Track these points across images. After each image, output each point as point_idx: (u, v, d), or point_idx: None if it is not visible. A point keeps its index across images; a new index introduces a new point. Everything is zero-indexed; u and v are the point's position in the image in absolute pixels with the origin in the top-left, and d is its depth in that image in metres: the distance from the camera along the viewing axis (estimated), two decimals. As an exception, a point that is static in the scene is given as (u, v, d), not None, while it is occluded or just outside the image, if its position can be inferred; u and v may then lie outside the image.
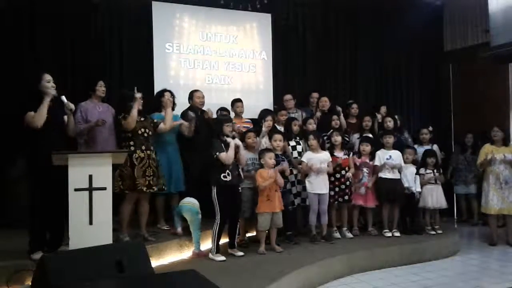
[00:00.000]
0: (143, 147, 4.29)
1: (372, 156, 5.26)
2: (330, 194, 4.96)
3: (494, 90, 7.05)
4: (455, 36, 7.77)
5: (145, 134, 4.33)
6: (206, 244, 4.55)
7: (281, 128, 5.27)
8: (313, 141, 4.89)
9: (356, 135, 5.83)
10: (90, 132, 4.41)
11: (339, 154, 5.13)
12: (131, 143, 4.27)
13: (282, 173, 4.60)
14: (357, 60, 7.38)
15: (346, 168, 5.09)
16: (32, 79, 3.87)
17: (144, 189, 4.23)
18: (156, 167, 4.37)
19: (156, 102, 4.94)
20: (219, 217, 4.23)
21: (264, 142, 4.95)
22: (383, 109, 6.24)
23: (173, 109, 4.96)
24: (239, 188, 4.38)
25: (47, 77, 3.83)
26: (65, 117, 3.92)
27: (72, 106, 3.86)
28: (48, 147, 3.52)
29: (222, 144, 4.25)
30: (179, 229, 4.64)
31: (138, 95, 4.30)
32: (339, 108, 5.89)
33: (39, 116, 3.64)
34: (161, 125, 4.53)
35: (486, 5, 6.10)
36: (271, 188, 4.41)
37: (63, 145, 3.76)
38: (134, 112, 4.24)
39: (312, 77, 6.98)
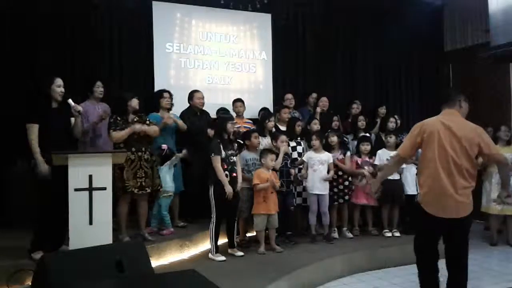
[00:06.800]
0: (133, 149, 4.21)
1: (371, 155, 5.26)
2: (329, 194, 4.96)
3: (494, 90, 7.04)
4: (455, 36, 7.77)
5: (135, 136, 4.22)
6: (206, 245, 4.56)
7: (283, 127, 5.27)
8: (315, 141, 4.91)
9: (350, 136, 5.81)
10: (95, 128, 4.40)
11: (336, 154, 5.13)
12: (121, 144, 4.19)
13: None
14: (357, 60, 7.37)
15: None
16: (43, 81, 3.84)
17: (136, 191, 4.17)
18: (150, 167, 4.29)
19: (154, 102, 4.94)
20: (214, 216, 4.25)
21: (267, 142, 4.96)
22: (382, 110, 6.22)
23: (170, 109, 4.96)
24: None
25: (58, 81, 3.81)
26: (72, 119, 3.90)
27: (79, 108, 3.85)
28: (52, 148, 3.51)
29: (221, 145, 4.25)
30: (171, 229, 4.69)
31: (138, 126, 4.21)
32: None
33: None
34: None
35: (486, 5, 6.08)
36: (267, 190, 4.42)
37: (67, 147, 3.75)
38: (124, 133, 4.14)
39: (312, 77, 6.97)
